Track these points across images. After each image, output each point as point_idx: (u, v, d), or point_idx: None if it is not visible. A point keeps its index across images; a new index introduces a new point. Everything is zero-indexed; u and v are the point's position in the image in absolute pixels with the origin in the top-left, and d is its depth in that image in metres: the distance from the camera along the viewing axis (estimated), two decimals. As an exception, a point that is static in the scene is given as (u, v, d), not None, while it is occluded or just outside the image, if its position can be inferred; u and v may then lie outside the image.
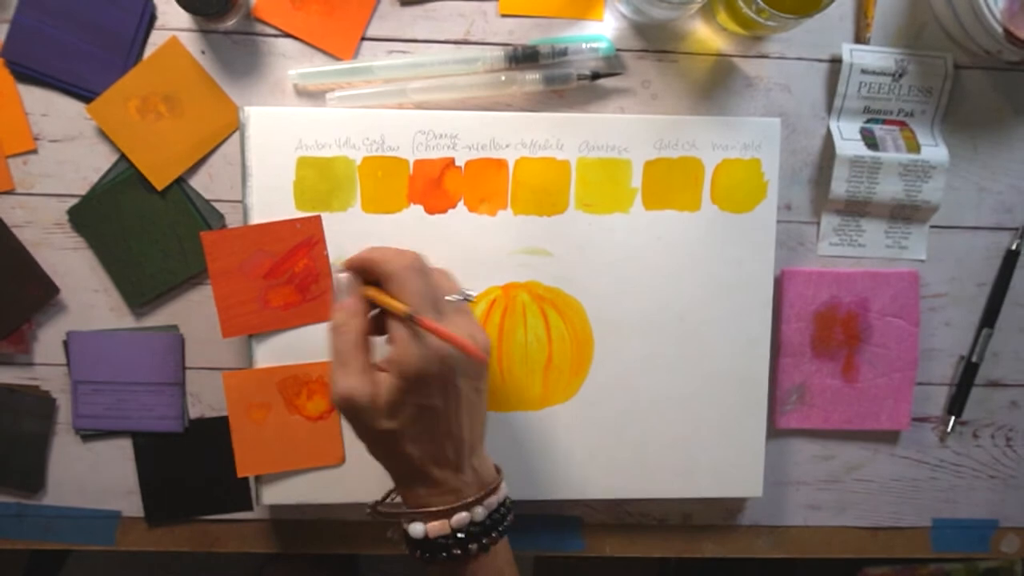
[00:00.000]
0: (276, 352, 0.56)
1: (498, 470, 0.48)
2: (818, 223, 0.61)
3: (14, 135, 0.57)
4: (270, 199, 0.55)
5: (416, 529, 0.44)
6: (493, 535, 0.45)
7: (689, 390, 0.59)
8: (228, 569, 1.13)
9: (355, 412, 0.44)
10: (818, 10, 0.52)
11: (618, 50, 0.59)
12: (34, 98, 0.57)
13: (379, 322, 0.47)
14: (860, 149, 0.59)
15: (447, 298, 0.46)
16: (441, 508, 0.44)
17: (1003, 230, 0.63)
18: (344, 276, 0.46)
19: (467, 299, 0.47)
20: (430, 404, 0.43)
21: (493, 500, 0.46)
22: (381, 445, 0.45)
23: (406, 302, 0.43)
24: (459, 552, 0.44)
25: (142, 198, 0.57)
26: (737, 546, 0.64)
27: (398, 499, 0.48)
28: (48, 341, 0.59)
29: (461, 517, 0.44)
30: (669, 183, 0.57)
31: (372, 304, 0.46)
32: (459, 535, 0.44)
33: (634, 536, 0.63)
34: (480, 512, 0.45)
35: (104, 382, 0.58)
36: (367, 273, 0.46)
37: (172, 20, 0.57)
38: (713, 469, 0.59)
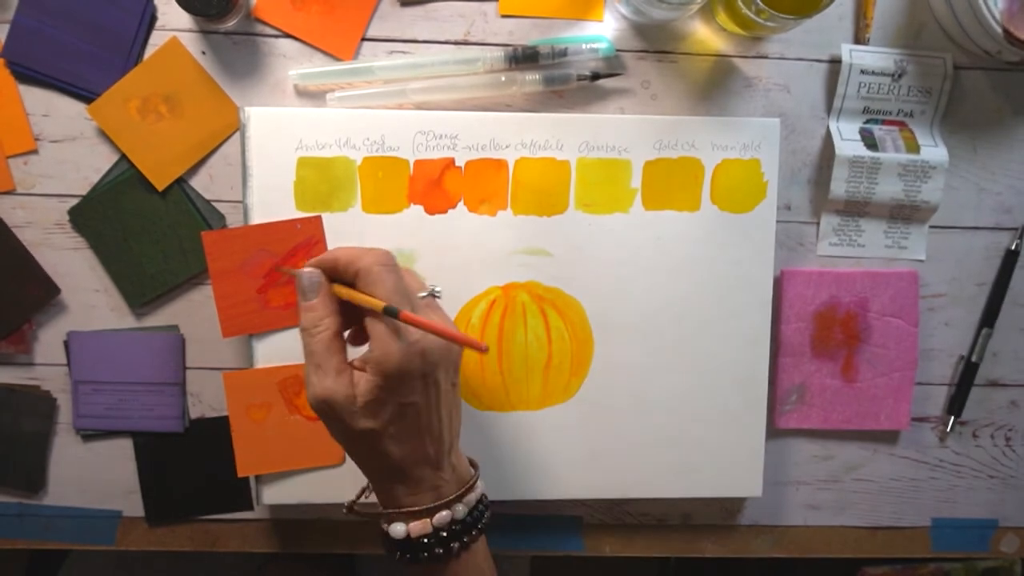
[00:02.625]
0: (276, 352, 0.56)
1: (474, 465, 0.47)
2: (818, 223, 0.61)
3: (14, 135, 0.57)
4: (270, 199, 0.55)
5: (397, 530, 0.44)
6: (473, 532, 0.45)
7: (689, 390, 0.59)
8: (228, 569, 1.13)
9: (333, 414, 0.43)
10: (817, 10, 0.52)
11: (618, 50, 0.59)
12: (34, 98, 0.57)
13: (348, 323, 0.46)
14: (859, 149, 0.59)
15: (419, 295, 0.45)
16: (422, 508, 0.44)
17: (1002, 230, 0.63)
18: (309, 273, 0.45)
19: (435, 295, 0.47)
20: (411, 401, 0.43)
21: (472, 497, 0.45)
22: (360, 445, 0.44)
23: (381, 298, 0.42)
24: (441, 551, 0.44)
25: (142, 198, 0.57)
26: (737, 546, 0.64)
27: (372, 498, 0.47)
28: (48, 341, 0.59)
29: (443, 516, 0.44)
30: (669, 183, 0.57)
31: (341, 303, 0.45)
32: (441, 534, 0.44)
33: (634, 536, 0.63)
34: (461, 510, 0.44)
35: (104, 382, 0.58)
36: (334, 272, 0.45)
37: (172, 20, 0.57)
38: (713, 469, 0.59)
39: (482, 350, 0.40)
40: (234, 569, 1.11)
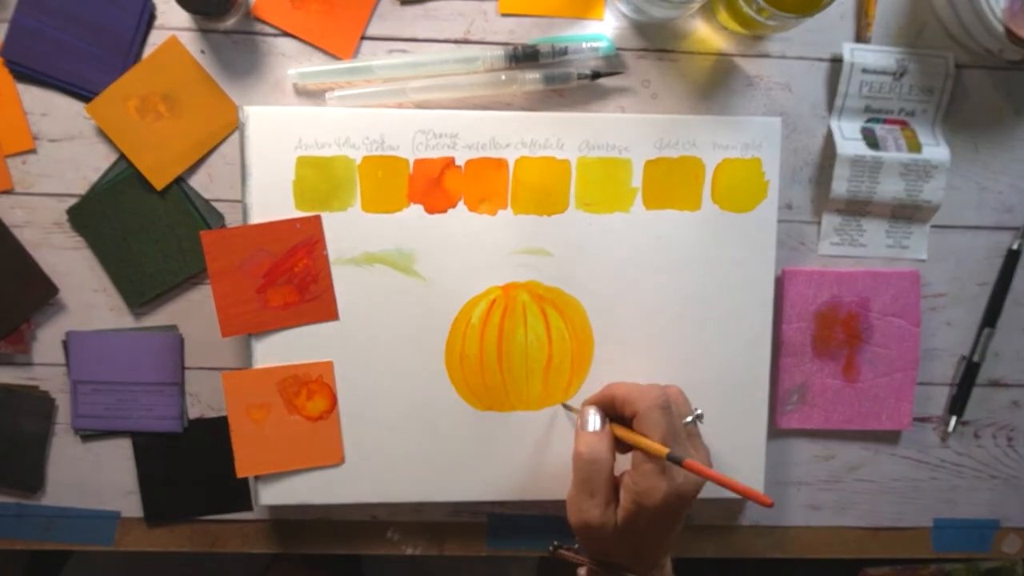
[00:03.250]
0: (276, 352, 0.56)
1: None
2: (819, 223, 0.61)
3: (13, 135, 0.56)
4: (270, 199, 0.55)
5: None
6: None
7: (689, 390, 0.58)
8: (228, 570, 1.13)
9: (591, 535, 0.49)
10: (819, 9, 0.52)
11: (618, 49, 0.59)
12: (33, 98, 0.57)
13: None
14: (861, 148, 0.59)
15: (685, 421, 0.50)
16: None
17: (1004, 229, 0.63)
18: (593, 410, 0.52)
19: (699, 420, 0.52)
20: (657, 528, 0.48)
21: None
22: (598, 551, 0.51)
23: (657, 441, 0.47)
24: None
25: (142, 198, 0.57)
26: (737, 546, 0.64)
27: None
28: (47, 341, 0.59)
29: None
30: (669, 183, 0.57)
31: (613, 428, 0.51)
32: None
33: (634, 536, 0.63)
34: None
35: (103, 382, 0.58)
36: (610, 408, 0.51)
37: (171, 19, 0.56)
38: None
39: (767, 503, 0.44)
40: (235, 570, 1.11)
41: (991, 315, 0.63)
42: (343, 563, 1.02)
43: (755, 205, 0.58)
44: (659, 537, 0.49)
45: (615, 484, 0.50)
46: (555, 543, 0.54)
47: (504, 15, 0.58)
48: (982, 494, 0.65)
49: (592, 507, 0.48)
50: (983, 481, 0.65)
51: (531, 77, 0.57)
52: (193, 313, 0.59)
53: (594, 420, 0.51)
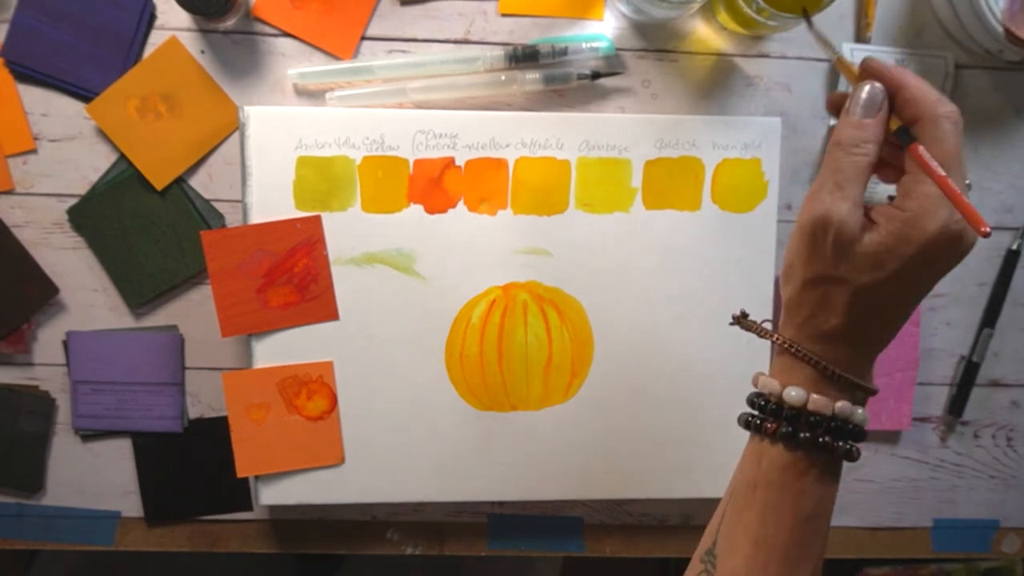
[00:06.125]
0: (275, 352, 0.56)
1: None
2: (818, 223, 0.61)
3: (14, 135, 0.56)
4: (270, 199, 0.55)
5: (793, 394, 0.39)
6: (856, 448, 0.39)
7: (689, 390, 0.59)
8: (228, 569, 1.12)
9: (824, 239, 0.37)
10: (818, 9, 0.52)
11: (618, 50, 0.59)
12: (34, 98, 0.57)
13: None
14: (861, 149, 0.59)
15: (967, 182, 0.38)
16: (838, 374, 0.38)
17: (1004, 230, 0.63)
18: (874, 90, 0.38)
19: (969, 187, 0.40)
20: (910, 278, 0.37)
21: (863, 413, 0.39)
22: (813, 290, 0.38)
23: (938, 159, 0.36)
24: (830, 444, 0.38)
25: (142, 198, 0.57)
26: (737, 546, 0.64)
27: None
28: (48, 341, 0.59)
29: (845, 407, 0.38)
30: (669, 183, 0.57)
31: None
32: (833, 424, 0.38)
33: (634, 536, 0.63)
34: (860, 416, 0.38)
35: (104, 382, 0.58)
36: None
37: (172, 20, 0.56)
38: (713, 469, 0.59)
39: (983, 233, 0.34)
40: (235, 570, 1.11)
41: (991, 315, 0.63)
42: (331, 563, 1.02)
43: (755, 205, 0.58)
44: (900, 295, 0.37)
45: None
46: (741, 310, 0.43)
47: (504, 15, 0.58)
48: (982, 494, 0.65)
49: (836, 200, 0.37)
50: (983, 481, 0.65)
51: (531, 77, 0.57)
52: (193, 313, 0.59)
53: (872, 100, 0.38)
